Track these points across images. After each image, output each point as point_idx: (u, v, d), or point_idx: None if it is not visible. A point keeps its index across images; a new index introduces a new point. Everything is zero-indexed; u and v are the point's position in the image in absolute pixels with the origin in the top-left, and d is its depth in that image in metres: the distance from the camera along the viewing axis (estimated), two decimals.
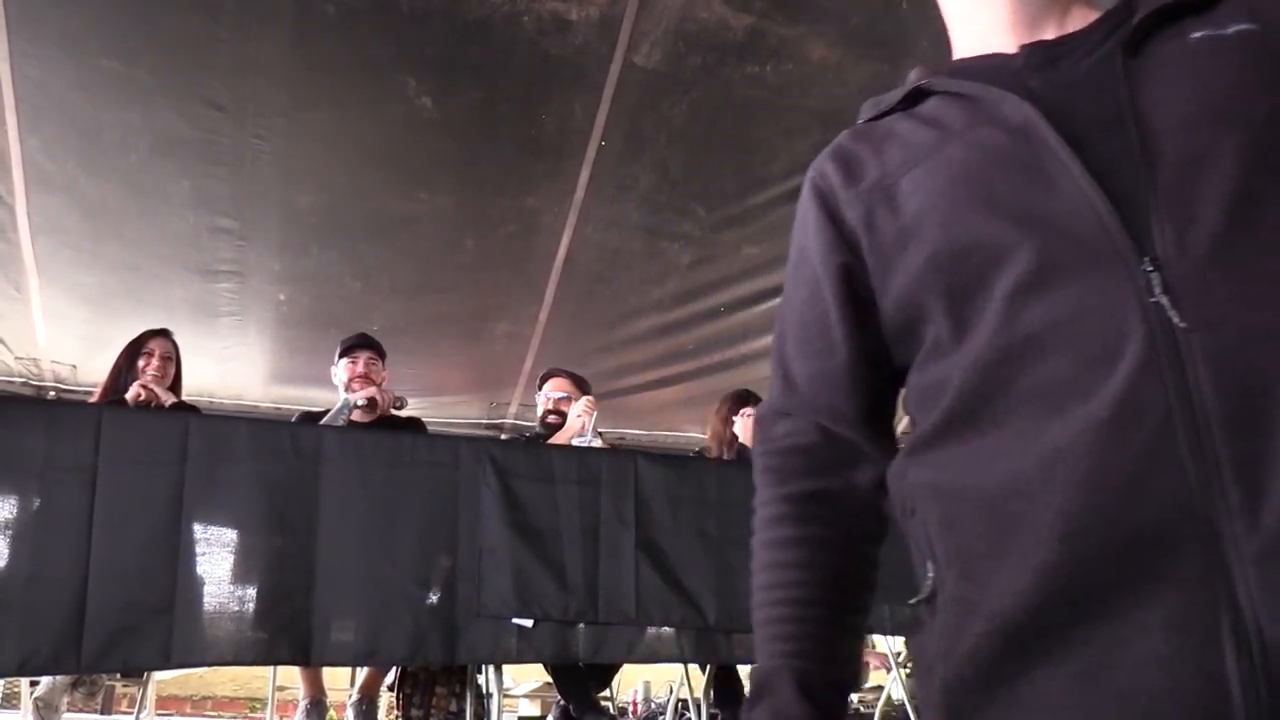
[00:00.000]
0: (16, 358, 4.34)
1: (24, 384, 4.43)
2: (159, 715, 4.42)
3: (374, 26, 3.34)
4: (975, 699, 0.64)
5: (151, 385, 3.31)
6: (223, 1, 3.21)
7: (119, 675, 3.58)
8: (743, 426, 3.81)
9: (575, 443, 3.46)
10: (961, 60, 0.82)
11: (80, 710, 3.71)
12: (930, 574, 0.71)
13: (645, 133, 3.82)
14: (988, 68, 0.77)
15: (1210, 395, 0.59)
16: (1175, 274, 0.62)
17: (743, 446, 3.77)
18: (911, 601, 0.73)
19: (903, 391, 0.79)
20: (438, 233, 4.16)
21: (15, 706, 4.15)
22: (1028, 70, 0.74)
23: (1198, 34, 0.69)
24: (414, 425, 3.73)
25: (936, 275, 0.72)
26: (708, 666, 3.33)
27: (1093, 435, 0.60)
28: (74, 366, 4.44)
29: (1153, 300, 0.61)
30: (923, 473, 0.72)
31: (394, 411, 3.75)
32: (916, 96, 0.81)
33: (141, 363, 3.41)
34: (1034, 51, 0.75)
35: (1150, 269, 0.62)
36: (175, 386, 3.51)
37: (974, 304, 0.69)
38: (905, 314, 0.75)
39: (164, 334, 3.53)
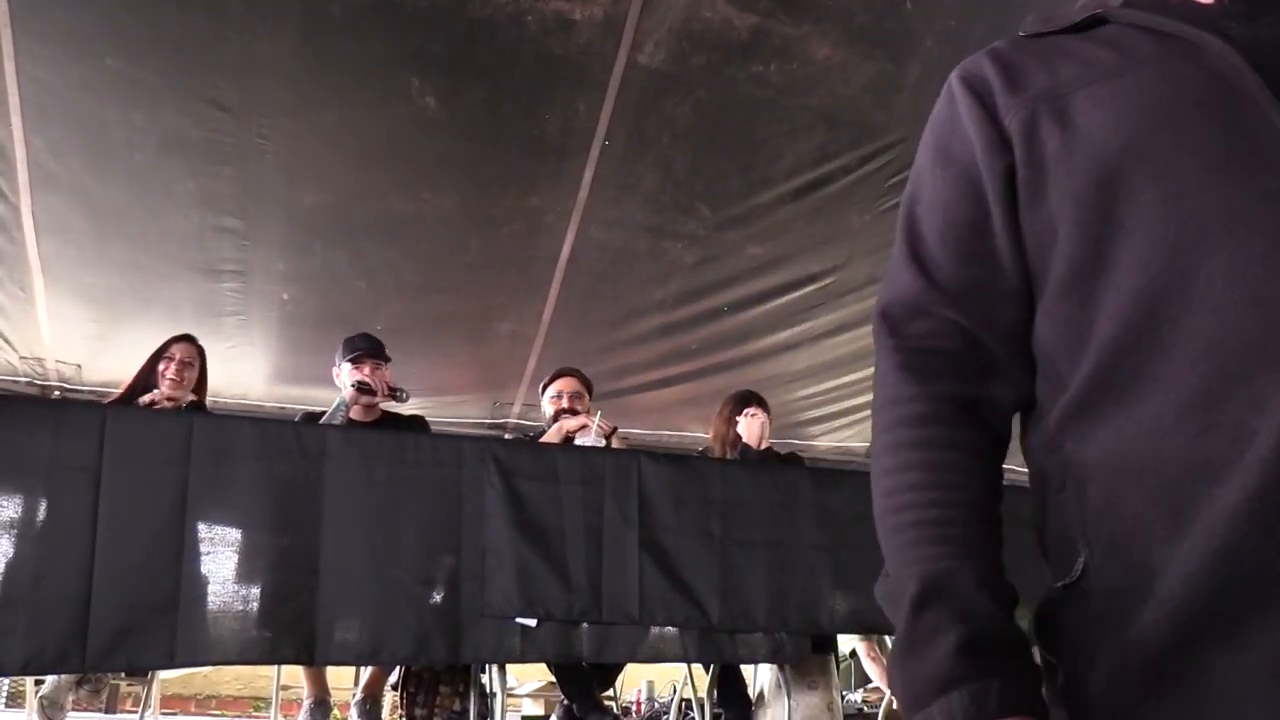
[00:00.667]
0: (21, 357, 4.35)
1: (29, 384, 4.44)
2: (163, 714, 4.43)
3: (378, 26, 3.34)
4: (1144, 690, 0.61)
5: (168, 393, 3.38)
6: (228, 1, 3.21)
7: (123, 674, 3.58)
8: (745, 427, 3.81)
9: (580, 442, 3.46)
10: None
11: (85, 709, 3.71)
12: (1081, 557, 0.67)
13: (649, 132, 3.82)
14: (1180, 9, 0.72)
15: None
16: None
17: (745, 446, 3.77)
18: (1057, 585, 0.69)
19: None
20: (441, 232, 4.16)
21: (20, 705, 4.16)
22: (1227, 20, 0.70)
23: None
24: (417, 424, 3.74)
25: (1100, 201, 0.67)
26: (711, 666, 3.33)
27: None
28: (79, 366, 4.45)
29: None
30: (1083, 447, 0.67)
31: (396, 409, 3.75)
32: (1091, 24, 0.76)
33: (161, 367, 3.46)
34: (1234, 3, 0.71)
35: None
36: (200, 389, 3.58)
37: (1133, 242, 0.65)
38: (1045, 235, 0.70)
39: (187, 339, 3.60)
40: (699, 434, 4.92)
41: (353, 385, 3.50)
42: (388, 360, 3.66)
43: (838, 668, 3.67)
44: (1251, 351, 0.58)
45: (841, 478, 3.28)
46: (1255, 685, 0.56)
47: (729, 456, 3.77)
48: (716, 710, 3.44)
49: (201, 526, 2.50)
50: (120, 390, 3.52)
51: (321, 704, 3.39)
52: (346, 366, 3.59)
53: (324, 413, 3.53)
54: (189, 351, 3.55)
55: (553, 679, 3.67)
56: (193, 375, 3.54)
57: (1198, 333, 0.61)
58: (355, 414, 3.54)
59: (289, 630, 2.53)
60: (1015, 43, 0.79)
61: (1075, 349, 0.67)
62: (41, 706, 3.09)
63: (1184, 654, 0.59)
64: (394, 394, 3.60)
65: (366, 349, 3.60)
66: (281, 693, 3.56)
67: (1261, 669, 0.56)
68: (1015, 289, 0.73)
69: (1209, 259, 0.61)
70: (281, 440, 2.65)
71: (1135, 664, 0.61)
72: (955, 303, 0.75)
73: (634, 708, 4.90)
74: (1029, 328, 0.74)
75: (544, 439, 3.58)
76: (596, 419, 3.57)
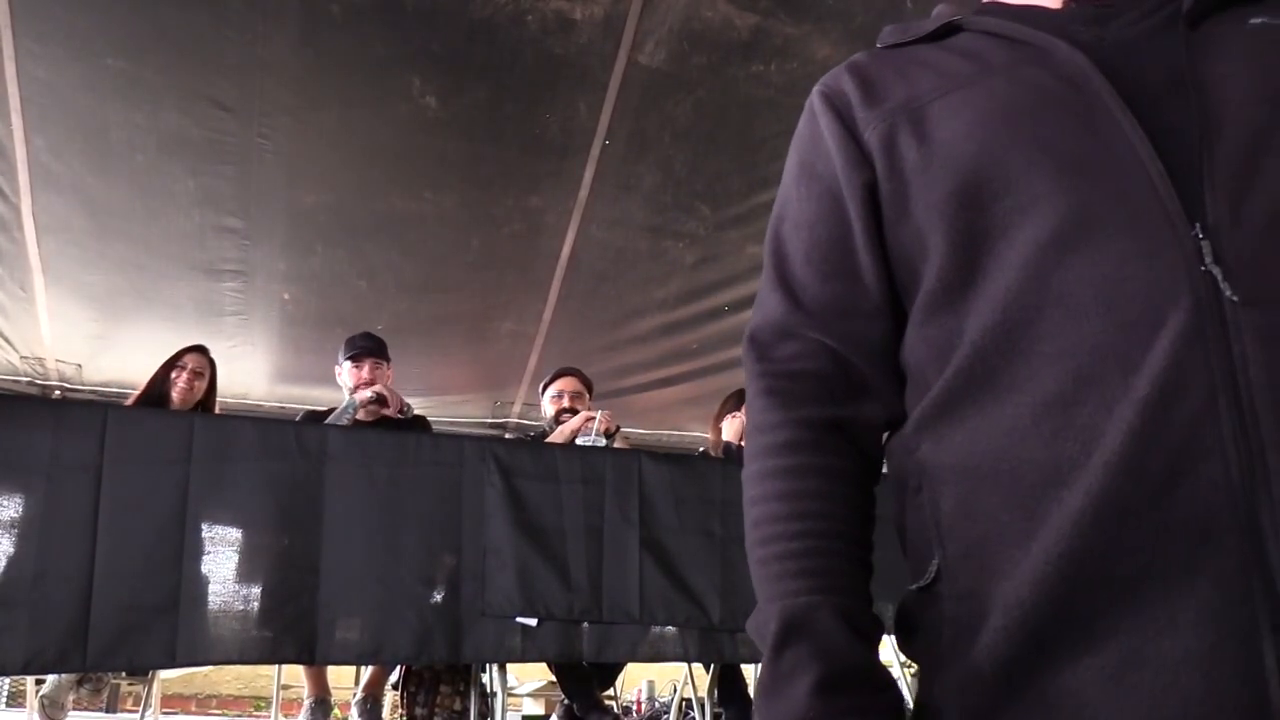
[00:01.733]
0: (22, 357, 4.35)
1: (30, 383, 4.44)
2: (164, 714, 4.43)
3: (379, 26, 3.34)
4: (996, 698, 0.60)
5: (179, 403, 3.53)
6: (228, 1, 3.21)
7: (124, 674, 3.59)
8: (726, 426, 3.82)
9: (581, 442, 3.46)
10: (998, 3, 0.77)
11: (85, 708, 3.72)
12: (935, 560, 0.66)
13: (649, 132, 3.82)
14: (1030, 15, 0.73)
15: (1258, 375, 0.55)
16: (1228, 244, 0.58)
17: (727, 445, 3.77)
18: (912, 587, 0.69)
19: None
20: (442, 232, 4.16)
21: (21, 705, 4.16)
22: (1075, 24, 0.70)
23: (1256, 20, 0.67)
24: (419, 424, 3.73)
25: (960, 210, 0.66)
26: (712, 666, 3.33)
27: (1132, 414, 0.56)
28: (79, 366, 4.45)
29: (1202, 269, 0.58)
30: (939, 449, 0.67)
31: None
32: (946, 32, 0.76)
33: (174, 375, 3.57)
34: (1081, 8, 0.72)
35: (1200, 236, 0.59)
36: (209, 399, 3.66)
37: (996, 249, 0.65)
38: (913, 247, 0.70)
39: (198, 350, 3.67)
40: (699, 434, 4.92)
41: (371, 395, 3.49)
42: (388, 360, 3.66)
43: None
44: (1103, 354, 0.58)
45: None
46: (1100, 689, 0.56)
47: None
48: (717, 710, 3.44)
49: (203, 526, 2.50)
50: (135, 396, 3.59)
51: (322, 703, 3.39)
52: (347, 365, 3.60)
53: (326, 412, 3.53)
54: (200, 362, 3.64)
55: (553, 678, 3.67)
56: (202, 385, 3.62)
57: (1053, 336, 0.61)
58: (359, 415, 3.54)
59: (290, 630, 2.53)
60: (874, 55, 0.79)
61: (943, 358, 0.67)
62: (42, 706, 3.09)
63: (1033, 659, 0.59)
64: (402, 412, 3.62)
65: (366, 348, 3.61)
66: (282, 692, 3.56)
67: (1105, 672, 0.56)
68: (880, 306, 0.73)
69: (1066, 262, 0.61)
70: (282, 440, 2.65)
71: (986, 669, 0.61)
72: (822, 324, 0.73)
73: (634, 707, 4.90)
74: (898, 344, 0.73)
75: (549, 440, 3.57)
76: (599, 415, 3.57)
